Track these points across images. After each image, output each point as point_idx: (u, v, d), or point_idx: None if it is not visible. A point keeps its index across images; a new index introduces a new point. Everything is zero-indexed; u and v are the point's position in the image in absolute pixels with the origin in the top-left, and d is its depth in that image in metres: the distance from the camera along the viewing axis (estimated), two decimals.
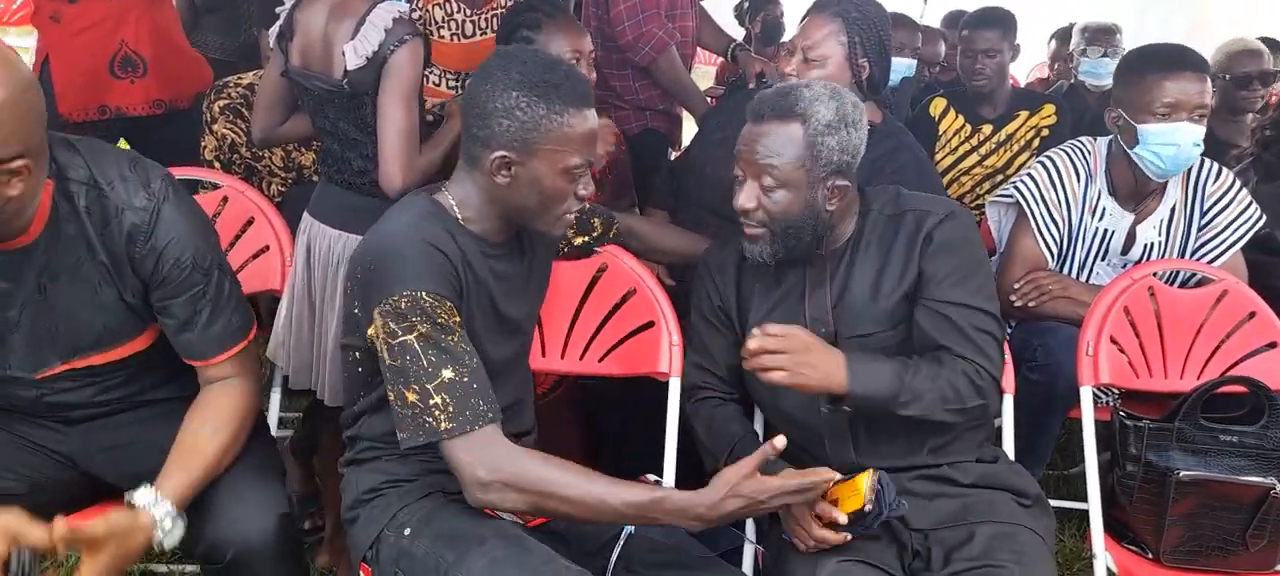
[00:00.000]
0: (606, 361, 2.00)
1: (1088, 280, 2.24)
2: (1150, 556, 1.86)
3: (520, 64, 1.50)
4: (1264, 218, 2.17)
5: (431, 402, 1.41)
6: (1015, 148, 3.10)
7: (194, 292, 1.54)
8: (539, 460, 1.45)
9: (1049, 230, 2.21)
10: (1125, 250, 2.21)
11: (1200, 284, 2.13)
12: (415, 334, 1.42)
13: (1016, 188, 2.24)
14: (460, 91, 2.60)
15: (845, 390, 1.58)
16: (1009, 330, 2.19)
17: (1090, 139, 2.26)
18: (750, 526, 1.82)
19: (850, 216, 1.75)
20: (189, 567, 2.15)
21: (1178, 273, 2.18)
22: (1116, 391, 2.11)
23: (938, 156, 3.12)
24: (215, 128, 2.54)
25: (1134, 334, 2.03)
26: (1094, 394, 1.99)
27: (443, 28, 2.61)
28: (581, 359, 2.00)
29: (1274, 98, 3.23)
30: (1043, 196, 2.20)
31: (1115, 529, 1.91)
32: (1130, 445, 1.86)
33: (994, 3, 3.33)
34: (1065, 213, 2.21)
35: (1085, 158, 2.22)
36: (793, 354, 1.56)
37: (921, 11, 5.19)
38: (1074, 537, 2.49)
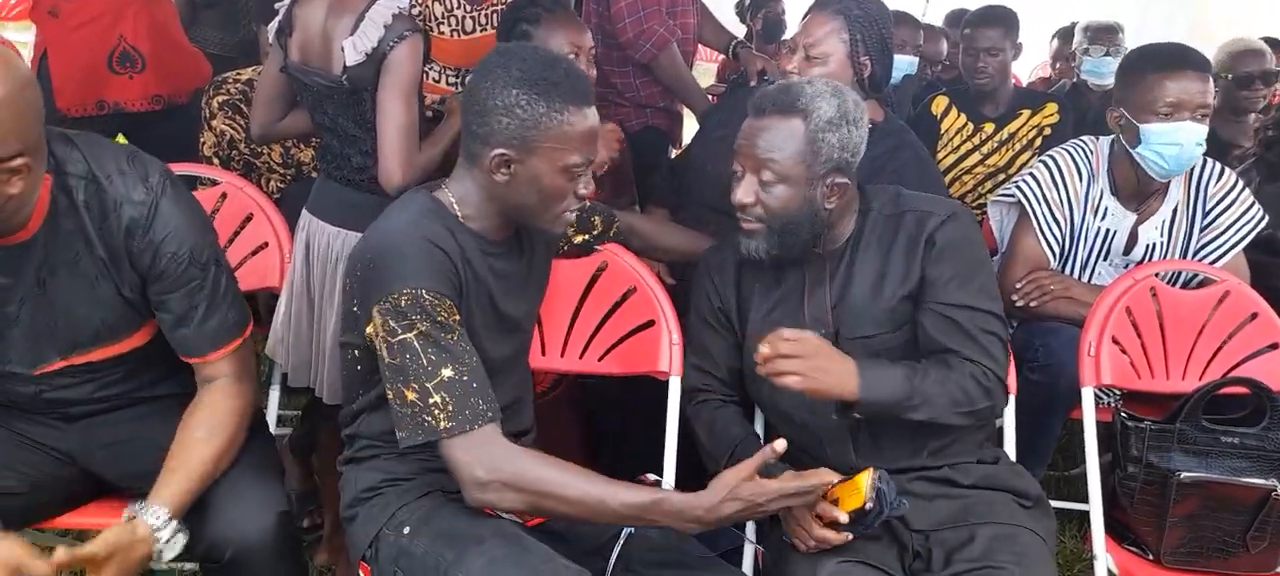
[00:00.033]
0: (606, 360, 2.00)
1: (1089, 280, 2.24)
2: (1151, 557, 1.86)
3: (520, 61, 1.49)
4: (1266, 218, 2.17)
5: (431, 401, 1.41)
6: (1017, 147, 3.09)
7: (191, 287, 1.54)
8: (538, 460, 1.44)
9: (1051, 230, 2.20)
10: (1127, 250, 2.21)
11: (1202, 285, 2.13)
12: (415, 332, 1.42)
13: (1018, 187, 2.23)
14: (460, 88, 2.59)
15: (856, 397, 1.57)
16: (1011, 329, 2.19)
17: (1092, 138, 2.26)
18: (750, 526, 1.81)
19: (849, 215, 1.74)
20: (188, 566, 2.14)
21: (1180, 273, 2.18)
22: (1118, 392, 2.10)
23: (940, 155, 3.11)
24: (214, 123, 2.53)
25: (1136, 334, 2.03)
26: (1095, 395, 1.98)
27: (442, 23, 2.60)
28: (581, 357, 1.99)
29: (1276, 98, 3.22)
30: (1045, 196, 2.20)
31: (1116, 530, 1.91)
32: (1131, 446, 1.86)
33: (996, 1, 3.32)
34: (1067, 212, 2.20)
35: (1087, 157, 2.22)
36: (807, 359, 1.55)
37: (923, 9, 5.18)
38: (1075, 538, 2.49)
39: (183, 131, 2.68)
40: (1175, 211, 2.18)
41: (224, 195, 2.15)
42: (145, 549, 1.39)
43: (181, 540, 1.44)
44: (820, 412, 1.69)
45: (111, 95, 2.76)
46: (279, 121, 2.17)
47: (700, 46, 3.41)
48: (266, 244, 2.13)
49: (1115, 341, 2.00)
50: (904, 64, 3.39)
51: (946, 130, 3.15)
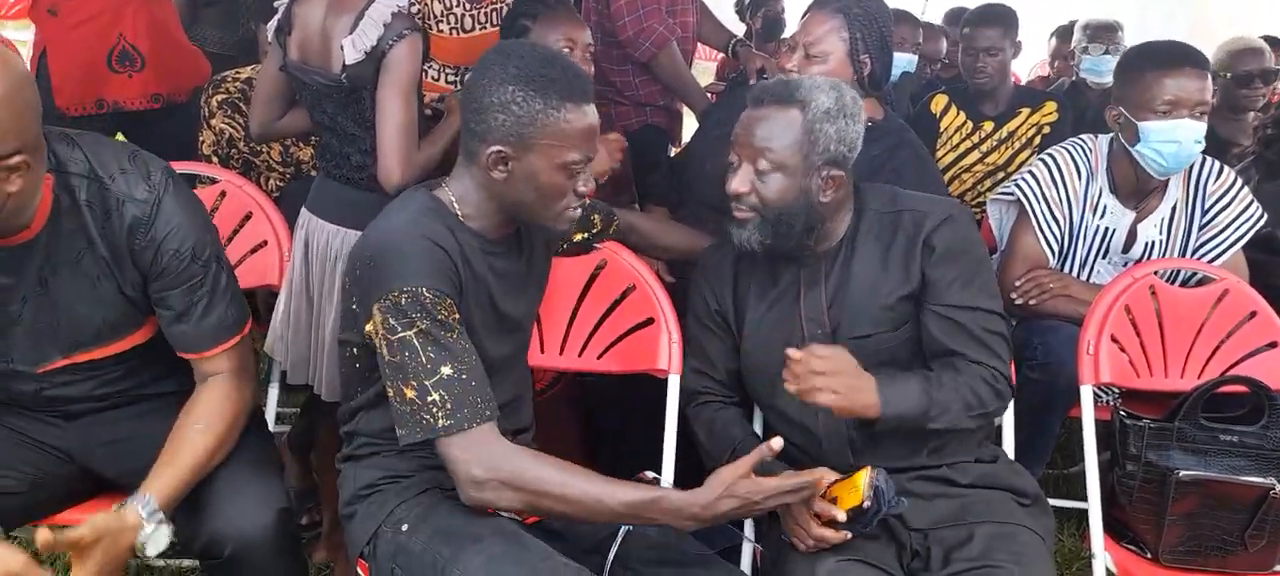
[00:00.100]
0: (605, 358, 2.00)
1: (1088, 278, 2.24)
2: (1149, 556, 1.86)
3: (517, 58, 1.49)
4: (1265, 216, 2.17)
5: (429, 399, 1.41)
6: (1016, 145, 3.09)
7: (191, 284, 1.54)
8: (535, 459, 1.44)
9: (1050, 228, 2.20)
10: (1126, 248, 2.21)
11: (1201, 283, 2.13)
12: (415, 330, 1.42)
13: (1018, 185, 2.23)
14: (459, 86, 2.59)
15: (877, 414, 1.57)
16: (1011, 327, 2.19)
17: (1092, 136, 2.26)
18: (749, 525, 1.81)
19: (844, 213, 1.74)
20: (187, 563, 2.14)
21: (1179, 271, 2.18)
22: (1117, 390, 2.10)
23: (939, 153, 3.11)
24: (213, 122, 2.53)
25: (1135, 333, 2.03)
26: (1094, 393, 1.98)
27: (442, 22, 2.60)
28: (580, 355, 1.99)
29: (1276, 96, 3.22)
30: (1044, 194, 2.20)
31: (1115, 528, 1.91)
32: (1130, 444, 1.86)
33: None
34: (1066, 210, 2.20)
35: (1086, 155, 2.22)
36: (841, 377, 1.55)
37: (923, 8, 5.18)
38: (1073, 537, 2.49)
39: (182, 130, 2.68)
40: (1174, 209, 2.18)
41: (223, 193, 2.15)
42: (132, 537, 1.39)
43: (166, 532, 1.43)
44: (818, 412, 1.69)
45: (111, 94, 2.76)
46: (278, 120, 2.17)
47: (699, 45, 3.40)
48: (265, 242, 2.13)
49: (1114, 339, 2.00)
50: (902, 61, 3.39)
51: (946, 128, 3.15)
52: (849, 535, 1.51)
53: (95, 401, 1.63)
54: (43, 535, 1.28)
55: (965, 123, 3.14)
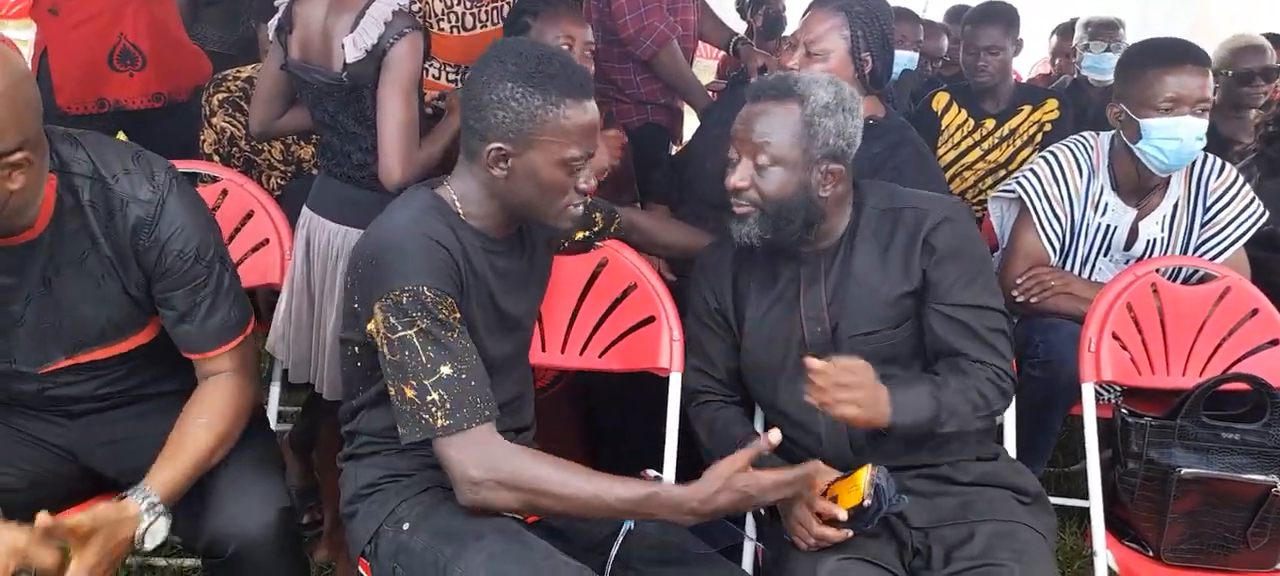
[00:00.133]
0: (607, 356, 2.00)
1: (1090, 276, 2.23)
2: (1151, 554, 1.86)
3: (516, 55, 1.49)
4: (1267, 214, 2.16)
5: (428, 399, 1.41)
6: (1018, 143, 3.09)
7: (195, 284, 1.54)
8: (532, 457, 1.44)
9: (1051, 225, 2.20)
10: (1128, 246, 2.20)
11: (1203, 280, 2.12)
12: (415, 329, 1.42)
13: (1019, 183, 2.23)
14: (460, 84, 2.59)
15: (889, 423, 1.57)
16: (1012, 325, 2.19)
17: (1093, 134, 2.26)
18: (750, 523, 1.81)
19: (844, 210, 1.74)
20: (189, 562, 2.14)
21: (1180, 269, 2.18)
22: (1118, 388, 2.10)
23: (940, 151, 3.11)
24: (214, 121, 2.53)
25: (1136, 330, 2.02)
26: (1096, 391, 1.98)
27: (442, 20, 2.60)
28: (581, 354, 1.99)
29: (1277, 93, 3.21)
30: (1045, 192, 2.20)
31: (1116, 526, 1.91)
32: (1132, 442, 1.86)
33: None
34: (1068, 208, 2.20)
35: (1088, 153, 2.22)
36: (863, 389, 1.54)
37: (923, 6, 5.17)
38: (1075, 535, 2.49)
39: (183, 129, 2.68)
40: (1176, 207, 2.18)
41: (225, 192, 2.15)
42: (132, 529, 1.38)
43: (164, 526, 1.43)
44: (819, 412, 1.70)
45: (112, 93, 2.76)
46: (278, 118, 2.17)
47: (701, 43, 3.41)
48: (267, 241, 2.13)
49: (1116, 337, 2.00)
50: (903, 59, 3.38)
51: (947, 126, 3.15)
52: (850, 533, 1.51)
53: (97, 401, 1.63)
54: (43, 518, 1.28)
55: (967, 120, 3.14)
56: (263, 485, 1.54)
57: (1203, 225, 2.17)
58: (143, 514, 1.40)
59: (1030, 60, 5.30)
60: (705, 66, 5.52)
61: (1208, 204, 2.16)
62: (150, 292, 1.55)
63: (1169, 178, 2.16)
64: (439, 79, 2.67)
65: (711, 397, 1.85)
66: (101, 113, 2.75)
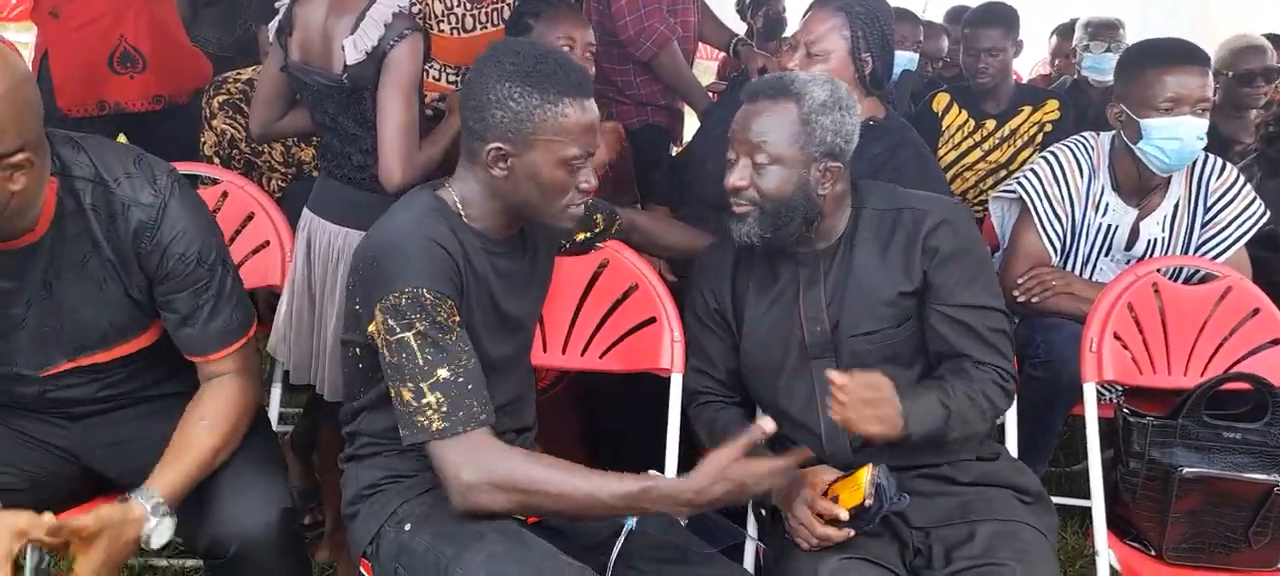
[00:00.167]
0: (608, 357, 2.00)
1: (1091, 276, 2.23)
2: (1153, 553, 1.85)
3: (513, 55, 1.49)
4: (1268, 213, 2.16)
5: (424, 401, 1.40)
6: (1019, 143, 3.09)
7: (197, 287, 1.54)
8: (525, 458, 1.44)
9: (1052, 226, 2.20)
10: (1129, 246, 2.20)
11: (1204, 280, 2.12)
12: (413, 331, 1.41)
13: (1020, 183, 2.23)
14: (460, 86, 2.59)
15: (903, 434, 1.57)
16: (1012, 325, 2.19)
17: (1093, 134, 2.26)
18: (752, 523, 1.81)
19: (842, 209, 1.74)
20: (190, 562, 2.14)
21: (1182, 269, 2.18)
22: (1120, 388, 2.10)
23: (941, 152, 3.11)
24: (214, 123, 2.54)
25: (1138, 330, 2.02)
26: (1097, 390, 1.98)
27: (443, 22, 2.60)
28: (582, 355, 1.99)
29: (1278, 94, 3.22)
30: (1046, 192, 2.20)
31: (1118, 526, 1.91)
32: (1134, 442, 1.86)
33: None
34: (1068, 208, 2.20)
35: (1089, 153, 2.22)
36: (886, 404, 1.54)
37: (923, 6, 5.17)
38: (1077, 535, 2.49)
39: (183, 131, 2.68)
40: (1177, 207, 2.18)
41: (225, 194, 2.16)
42: (136, 530, 1.39)
43: (169, 526, 1.43)
44: (819, 411, 1.69)
45: (112, 95, 2.76)
46: (279, 120, 2.17)
47: (701, 44, 3.41)
48: (267, 242, 2.13)
49: (1117, 337, 2.00)
50: (903, 60, 3.38)
51: (948, 127, 3.15)
52: (852, 533, 1.51)
53: (98, 403, 1.63)
54: (47, 520, 1.28)
55: (967, 121, 3.14)
56: (264, 486, 1.54)
57: (1204, 225, 2.17)
58: (148, 514, 1.40)
59: (1030, 61, 5.30)
60: (705, 67, 5.52)
61: (1208, 204, 2.16)
62: (152, 296, 1.55)
63: (1170, 178, 2.16)
64: (439, 81, 2.67)
65: (711, 398, 1.85)
66: (102, 115, 2.75)
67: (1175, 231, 2.19)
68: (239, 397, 1.58)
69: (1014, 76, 3.39)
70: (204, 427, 1.52)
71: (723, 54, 4.32)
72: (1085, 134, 2.27)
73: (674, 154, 3.27)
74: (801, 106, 1.64)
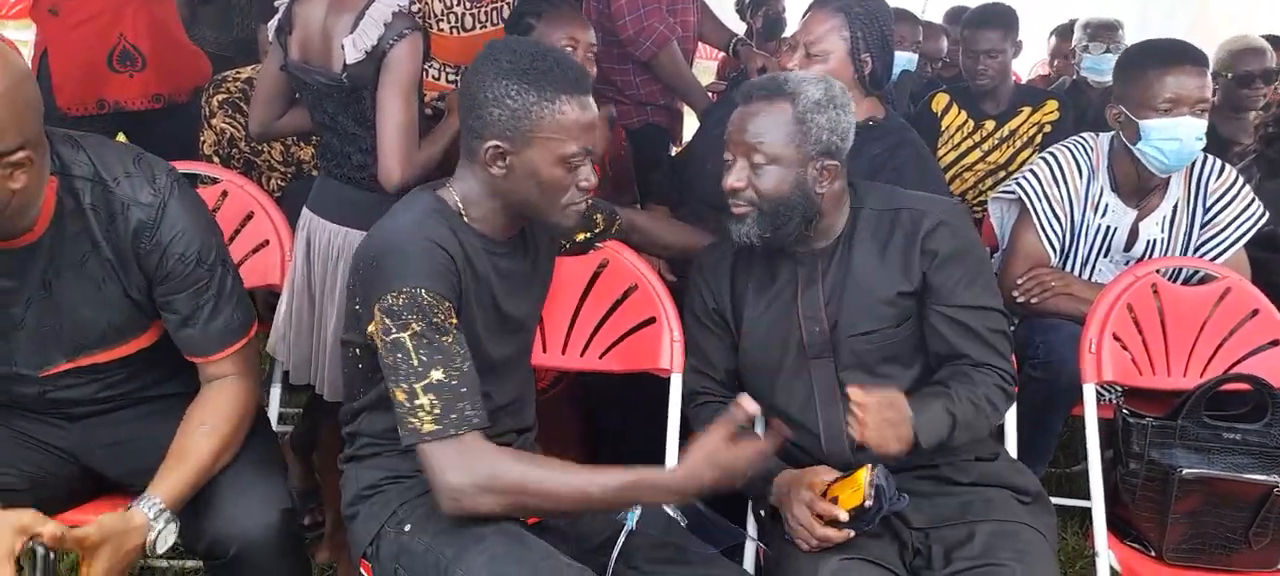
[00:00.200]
0: (607, 358, 1.99)
1: (1090, 277, 2.24)
2: (1153, 554, 1.86)
3: (510, 53, 1.49)
4: (1267, 214, 2.17)
5: (417, 403, 1.40)
6: (1018, 144, 3.09)
7: (197, 288, 1.54)
8: (513, 458, 1.44)
9: (1051, 226, 2.20)
10: (1128, 247, 2.21)
11: (1203, 281, 2.13)
12: (409, 332, 1.41)
13: (1019, 184, 2.23)
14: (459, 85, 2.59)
15: (913, 446, 1.57)
16: (1012, 326, 2.19)
17: (1093, 135, 2.26)
18: (752, 523, 1.81)
19: (840, 209, 1.74)
20: (190, 563, 2.14)
21: (1181, 270, 2.18)
22: (1119, 389, 2.10)
23: (940, 152, 3.11)
24: (214, 122, 2.53)
25: (1137, 331, 2.03)
26: (1097, 391, 1.98)
27: (442, 21, 2.60)
28: (582, 355, 1.99)
29: (1277, 95, 3.22)
30: (1045, 193, 2.20)
31: (1118, 526, 1.91)
32: (1133, 442, 1.86)
33: None
34: (1068, 209, 2.20)
35: (1088, 154, 2.22)
36: (905, 421, 1.55)
37: (923, 7, 5.17)
38: (1076, 535, 2.49)
39: (183, 130, 2.68)
40: (1176, 208, 2.18)
41: (225, 193, 2.15)
42: (139, 539, 1.39)
43: (173, 531, 1.43)
44: (819, 411, 1.69)
45: (111, 94, 2.76)
46: (278, 119, 2.17)
47: (700, 44, 3.40)
48: (267, 242, 2.13)
49: (1116, 338, 2.00)
50: (903, 60, 3.38)
51: (947, 127, 3.15)
52: (851, 534, 1.51)
53: (98, 403, 1.63)
54: (51, 528, 1.28)
55: (966, 121, 3.14)
56: (264, 486, 1.54)
57: (1203, 226, 2.17)
58: (151, 522, 1.40)
59: (1029, 61, 5.30)
60: (705, 67, 5.53)
61: (1207, 205, 2.17)
62: (151, 296, 1.55)
63: (1169, 178, 2.16)
64: (439, 80, 2.67)
65: (711, 398, 1.85)
66: (101, 114, 2.75)
67: (1174, 232, 2.19)
68: (240, 401, 1.58)
69: (1013, 77, 3.38)
70: (205, 432, 1.52)
71: (722, 54, 4.32)
72: (1084, 135, 2.27)
73: (674, 154, 3.27)
74: (796, 106, 1.65)
